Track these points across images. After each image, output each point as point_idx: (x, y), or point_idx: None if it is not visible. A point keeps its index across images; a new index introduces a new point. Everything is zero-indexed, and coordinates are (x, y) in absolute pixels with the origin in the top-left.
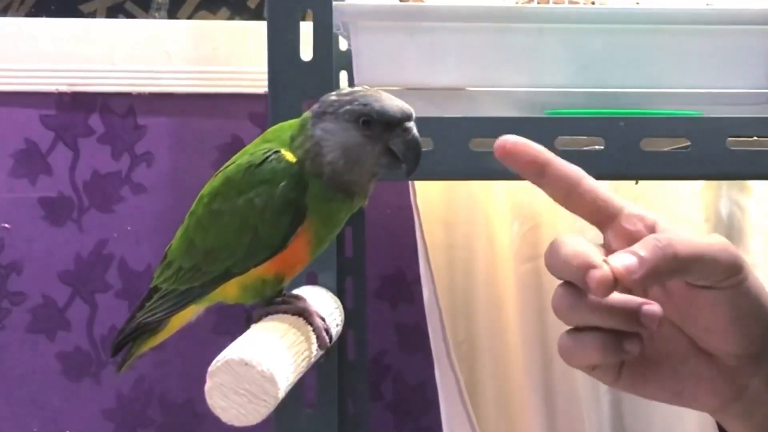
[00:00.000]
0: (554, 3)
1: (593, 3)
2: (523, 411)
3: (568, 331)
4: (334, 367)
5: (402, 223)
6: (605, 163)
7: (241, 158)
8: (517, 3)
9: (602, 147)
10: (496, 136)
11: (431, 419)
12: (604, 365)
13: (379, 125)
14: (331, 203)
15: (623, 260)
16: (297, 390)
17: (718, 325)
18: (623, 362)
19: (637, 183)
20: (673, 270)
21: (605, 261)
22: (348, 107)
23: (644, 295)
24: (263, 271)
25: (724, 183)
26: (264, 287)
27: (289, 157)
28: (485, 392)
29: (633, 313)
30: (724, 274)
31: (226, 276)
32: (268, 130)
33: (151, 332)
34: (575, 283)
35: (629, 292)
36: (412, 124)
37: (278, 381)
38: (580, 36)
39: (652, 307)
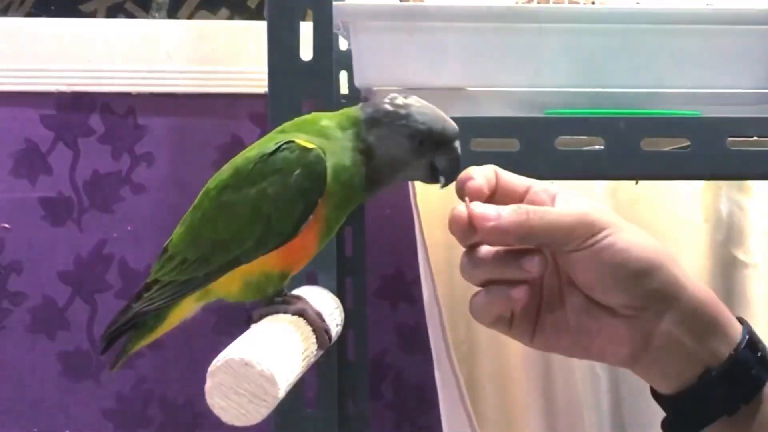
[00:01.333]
0: (554, 3)
1: (593, 3)
2: (523, 411)
3: (474, 293)
4: (334, 367)
5: (402, 223)
6: (605, 163)
7: (251, 151)
8: (517, 3)
9: (602, 147)
10: (496, 136)
11: (431, 419)
12: (519, 323)
13: (431, 143)
14: (354, 193)
15: (484, 208)
16: (297, 390)
17: (595, 281)
18: (536, 322)
19: (637, 183)
20: (526, 236)
21: (467, 205)
22: (404, 122)
23: None
24: (269, 264)
25: (724, 183)
26: (267, 284)
27: (305, 144)
28: (485, 392)
29: (516, 262)
30: (578, 239)
31: (233, 264)
32: (284, 125)
33: (147, 328)
34: (460, 240)
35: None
36: (458, 143)
37: (278, 381)
38: (580, 36)
39: (533, 255)
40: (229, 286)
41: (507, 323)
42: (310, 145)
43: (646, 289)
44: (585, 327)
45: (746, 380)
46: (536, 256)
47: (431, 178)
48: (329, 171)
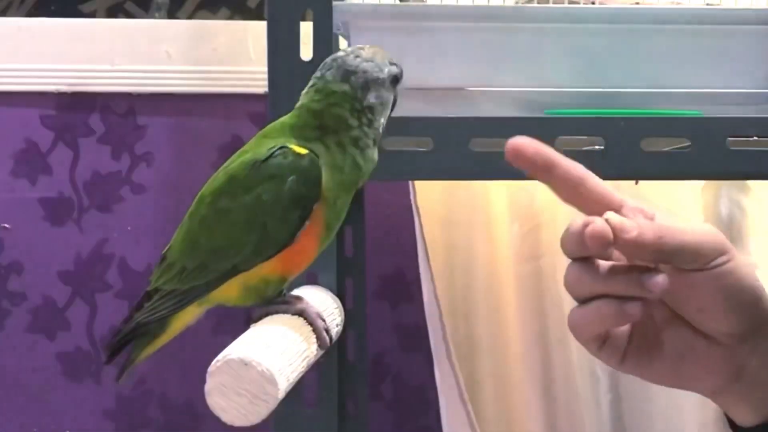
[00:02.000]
0: (554, 3)
1: (593, 3)
2: (523, 411)
3: (576, 306)
4: (334, 367)
5: (402, 223)
6: (605, 163)
7: (243, 156)
8: (517, 3)
9: (602, 147)
10: (496, 136)
11: (431, 419)
12: (611, 344)
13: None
14: (360, 171)
15: (622, 221)
16: (297, 390)
17: (709, 305)
18: (628, 344)
19: (637, 183)
20: (660, 250)
21: (605, 219)
22: (387, 70)
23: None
24: (269, 270)
25: (724, 183)
26: (267, 288)
27: (298, 150)
28: (485, 392)
29: (636, 278)
30: (707, 258)
31: (232, 273)
32: (265, 128)
33: (150, 336)
34: (582, 252)
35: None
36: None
37: (278, 381)
38: (580, 36)
39: (656, 273)
40: (228, 291)
41: (598, 344)
42: (303, 151)
43: (755, 318)
44: (680, 354)
45: None
46: (660, 275)
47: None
48: (324, 174)
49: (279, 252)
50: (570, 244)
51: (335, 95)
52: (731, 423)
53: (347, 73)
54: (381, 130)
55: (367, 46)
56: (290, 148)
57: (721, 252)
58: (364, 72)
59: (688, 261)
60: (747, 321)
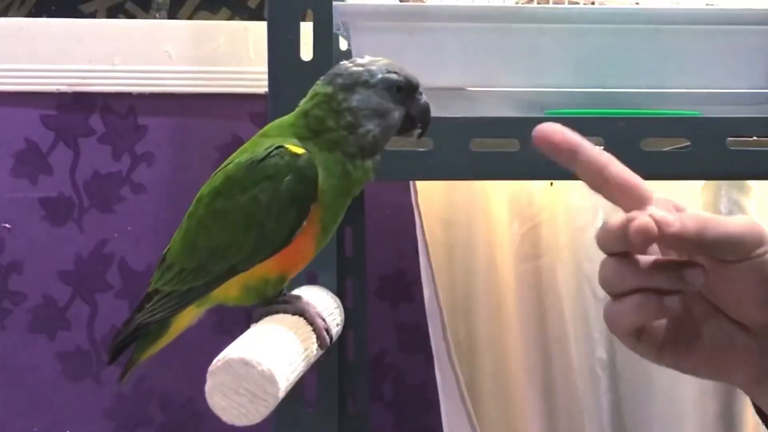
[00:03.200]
0: (554, 3)
1: (593, 3)
2: (523, 411)
3: (612, 300)
4: (334, 367)
5: (402, 223)
6: None
7: (240, 156)
8: (517, 3)
9: (602, 147)
10: (496, 136)
11: (431, 419)
12: (648, 338)
13: (406, 92)
14: (355, 183)
15: (664, 214)
16: (297, 390)
17: (747, 296)
18: (665, 338)
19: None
20: (702, 242)
21: (648, 214)
22: (380, 77)
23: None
24: (267, 269)
25: (724, 183)
26: (266, 288)
27: (294, 150)
28: (485, 392)
29: (676, 272)
30: (748, 249)
31: (231, 273)
32: (265, 127)
33: (152, 337)
34: (621, 247)
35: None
36: (423, 91)
37: (278, 381)
38: (580, 36)
39: (695, 266)
40: (228, 291)
41: (635, 337)
42: (299, 151)
43: None
44: (718, 346)
45: None
46: (699, 268)
47: (409, 128)
48: (320, 174)
49: (277, 252)
50: (609, 239)
51: (318, 96)
52: (762, 414)
53: (335, 77)
54: (371, 138)
55: (381, 58)
56: (286, 148)
57: (762, 242)
58: (350, 75)
59: (729, 251)
60: None
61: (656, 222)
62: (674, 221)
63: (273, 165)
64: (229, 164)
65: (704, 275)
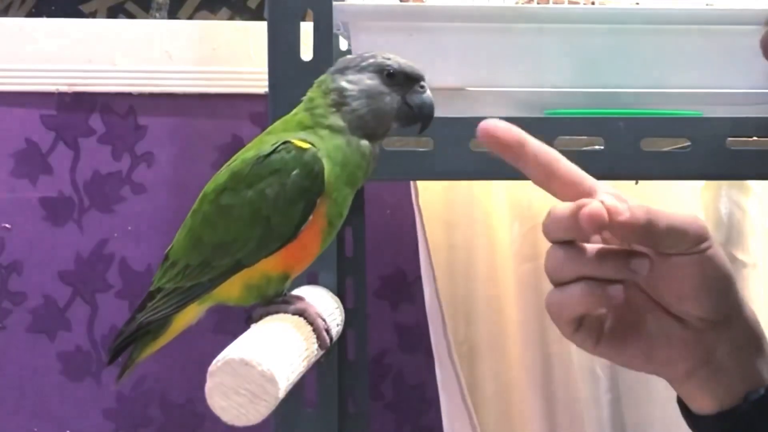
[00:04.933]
0: (554, 3)
1: (593, 3)
2: (524, 411)
3: (555, 288)
4: (334, 367)
5: (402, 223)
6: (605, 163)
7: (246, 153)
8: (517, 3)
9: (602, 147)
10: None
11: (431, 419)
12: (587, 327)
13: (401, 78)
14: (356, 168)
15: (615, 203)
16: (297, 390)
17: (688, 290)
18: (603, 328)
19: (637, 183)
20: (649, 233)
21: (600, 201)
22: (371, 60)
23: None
24: (271, 266)
25: (724, 183)
26: (268, 286)
27: (300, 144)
28: (485, 392)
29: (621, 261)
30: (692, 242)
31: (235, 268)
32: (271, 126)
33: (152, 336)
34: (569, 234)
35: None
36: (426, 84)
37: (278, 381)
38: (580, 36)
39: (642, 257)
40: (230, 290)
41: (575, 326)
42: (305, 145)
43: (727, 305)
44: (654, 338)
45: None
46: (645, 258)
47: (408, 118)
48: (326, 168)
49: (282, 246)
50: (557, 226)
51: (315, 83)
52: (686, 412)
53: (333, 66)
54: (357, 117)
55: (392, 53)
56: (292, 143)
57: (704, 237)
58: (344, 60)
59: (674, 243)
60: (720, 307)
61: (607, 210)
62: (624, 210)
63: (279, 159)
64: (234, 161)
65: (649, 264)
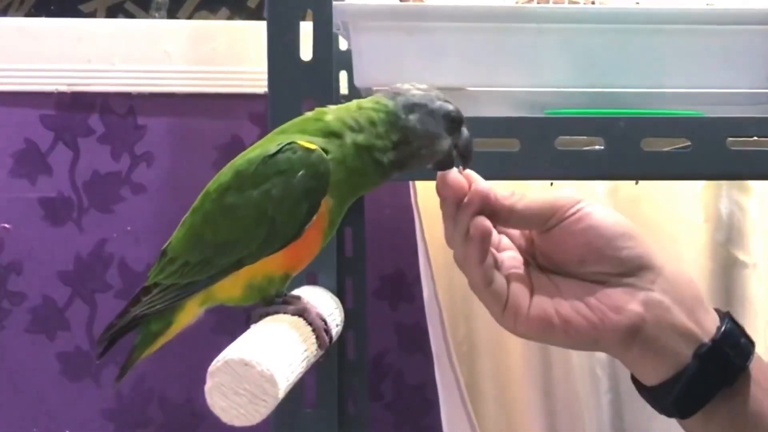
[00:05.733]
0: (554, 3)
1: (593, 3)
2: (523, 411)
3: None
4: (334, 367)
5: (402, 223)
6: (605, 163)
7: (251, 152)
8: (517, 3)
9: (602, 147)
10: (496, 136)
11: (431, 419)
12: (511, 308)
13: (457, 123)
14: (366, 178)
15: (477, 177)
16: (297, 390)
17: (573, 254)
18: (529, 309)
19: (637, 183)
20: (510, 215)
21: (461, 171)
22: (439, 104)
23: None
24: (274, 266)
25: (724, 183)
26: (270, 286)
27: (307, 145)
28: (485, 392)
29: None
30: (553, 220)
31: (236, 267)
32: (285, 125)
33: (151, 335)
34: (446, 202)
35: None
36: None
37: (278, 381)
38: (580, 36)
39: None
40: (231, 290)
41: (500, 307)
42: (312, 146)
43: (626, 256)
44: (580, 309)
45: (739, 350)
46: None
47: (449, 159)
48: (332, 169)
49: (285, 246)
50: (442, 202)
51: (380, 105)
52: (642, 387)
53: (395, 95)
54: (412, 159)
55: (430, 86)
56: (299, 144)
57: (567, 207)
58: (412, 96)
59: (537, 222)
60: (618, 260)
61: (465, 176)
62: (482, 183)
63: (285, 160)
64: (238, 160)
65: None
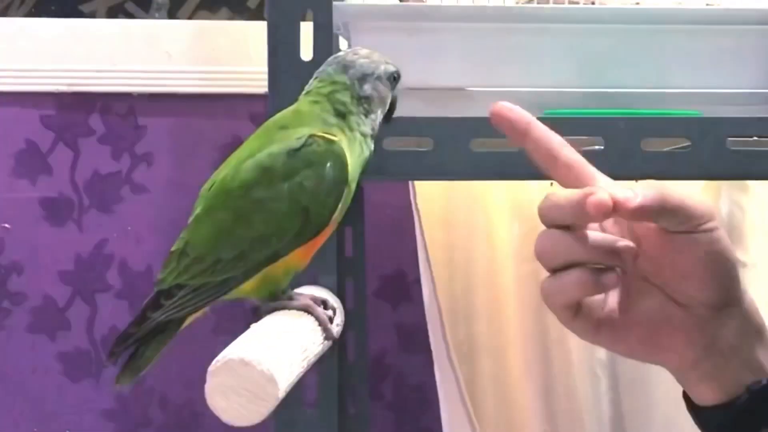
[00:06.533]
0: (554, 3)
1: (593, 3)
2: (523, 411)
3: (550, 276)
4: (334, 367)
5: (402, 223)
6: (605, 163)
7: (269, 148)
8: (517, 3)
9: (602, 147)
10: (496, 136)
11: (431, 419)
12: (585, 316)
13: (397, 79)
14: (363, 165)
15: (623, 191)
16: (297, 390)
17: (693, 270)
18: (603, 315)
19: (637, 183)
20: (662, 210)
21: (604, 190)
22: (383, 67)
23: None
24: (296, 257)
25: (724, 183)
26: (285, 278)
27: (328, 137)
28: (485, 392)
29: (612, 248)
30: (700, 219)
31: (272, 259)
32: (275, 119)
33: (166, 334)
34: (569, 220)
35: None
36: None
37: (278, 381)
38: (580, 36)
39: (628, 242)
40: (247, 282)
41: (572, 313)
42: (332, 138)
43: (730, 290)
44: (656, 325)
45: None
46: (632, 244)
47: (390, 113)
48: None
49: (318, 235)
50: (558, 212)
51: (337, 84)
52: (690, 404)
53: (345, 68)
54: (377, 124)
55: (364, 48)
56: (320, 136)
57: (712, 217)
58: (361, 66)
59: (684, 221)
60: (724, 290)
61: (619, 199)
62: (634, 196)
63: (313, 152)
64: (247, 157)
65: (634, 252)
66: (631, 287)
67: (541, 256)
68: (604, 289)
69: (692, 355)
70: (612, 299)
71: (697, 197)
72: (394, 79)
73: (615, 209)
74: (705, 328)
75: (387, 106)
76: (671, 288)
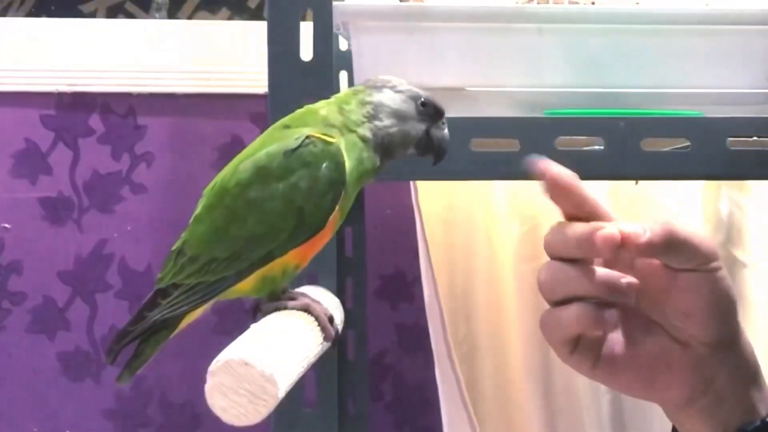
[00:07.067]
0: (554, 3)
1: (593, 3)
2: (523, 411)
3: (550, 308)
4: (334, 367)
5: (402, 223)
6: (605, 163)
7: (267, 147)
8: (517, 3)
9: (602, 147)
10: (496, 136)
11: (431, 419)
12: (583, 349)
13: (431, 110)
14: (364, 172)
15: (632, 226)
16: (297, 390)
17: (696, 309)
18: (600, 350)
19: (637, 183)
20: (669, 246)
21: (615, 225)
22: (408, 87)
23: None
24: (292, 257)
25: (724, 183)
26: (283, 278)
27: (325, 138)
28: (485, 392)
29: (614, 284)
30: (705, 258)
31: (266, 260)
32: (286, 117)
33: (163, 333)
34: (576, 254)
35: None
36: (446, 122)
37: (278, 381)
38: (580, 36)
39: (631, 279)
40: (244, 283)
41: (570, 348)
42: (329, 139)
43: (729, 329)
44: (654, 362)
45: None
46: (635, 280)
47: (426, 148)
48: (345, 159)
49: (313, 236)
50: (566, 244)
51: (350, 90)
52: None
53: (368, 80)
54: (385, 134)
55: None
56: (317, 137)
57: (716, 256)
58: (380, 79)
59: (690, 258)
60: (724, 330)
61: (627, 235)
62: (641, 233)
63: (309, 153)
64: (249, 156)
65: (637, 287)
66: (632, 324)
67: (543, 287)
68: (604, 325)
69: (687, 394)
70: (612, 335)
71: (702, 235)
72: (422, 104)
73: (623, 244)
74: (702, 367)
75: (411, 128)
76: (672, 326)
